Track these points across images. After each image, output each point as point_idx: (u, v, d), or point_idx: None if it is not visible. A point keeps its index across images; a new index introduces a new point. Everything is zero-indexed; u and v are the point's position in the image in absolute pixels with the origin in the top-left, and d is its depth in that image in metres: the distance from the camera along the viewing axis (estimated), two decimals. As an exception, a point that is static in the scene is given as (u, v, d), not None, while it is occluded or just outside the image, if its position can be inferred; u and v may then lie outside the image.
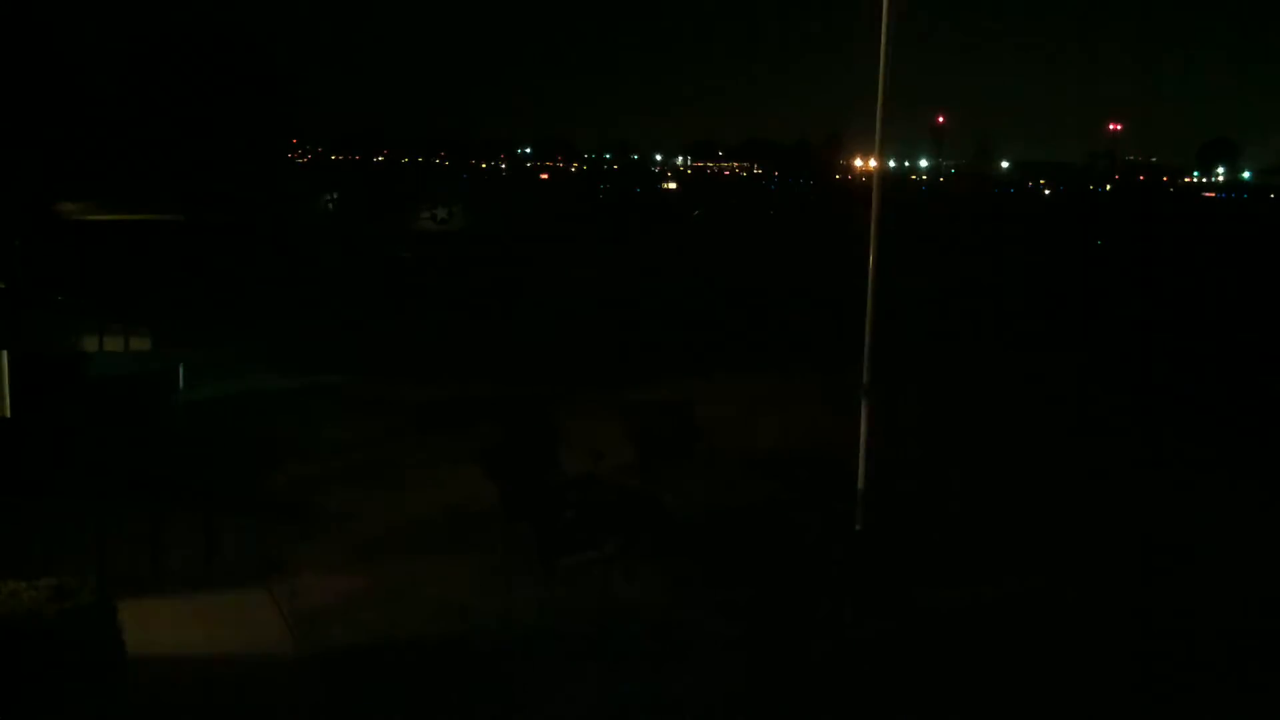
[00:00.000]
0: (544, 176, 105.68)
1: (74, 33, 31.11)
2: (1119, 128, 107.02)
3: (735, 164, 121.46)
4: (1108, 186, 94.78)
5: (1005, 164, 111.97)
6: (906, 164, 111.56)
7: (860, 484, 9.92)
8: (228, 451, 12.25)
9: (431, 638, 8.17)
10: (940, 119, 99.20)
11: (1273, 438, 14.67)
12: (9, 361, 11.89)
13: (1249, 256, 40.14)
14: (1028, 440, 14.25)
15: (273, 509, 10.60)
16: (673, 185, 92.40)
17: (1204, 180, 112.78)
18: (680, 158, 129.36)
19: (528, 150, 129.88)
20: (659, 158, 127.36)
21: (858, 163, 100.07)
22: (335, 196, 55.76)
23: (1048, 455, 13.56)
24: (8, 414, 11.91)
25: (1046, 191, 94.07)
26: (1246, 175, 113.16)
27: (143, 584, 8.61)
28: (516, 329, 21.82)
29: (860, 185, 75.81)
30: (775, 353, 19.70)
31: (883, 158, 11.03)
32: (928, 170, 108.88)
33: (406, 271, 31.04)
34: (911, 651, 8.26)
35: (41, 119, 28.05)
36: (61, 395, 13.31)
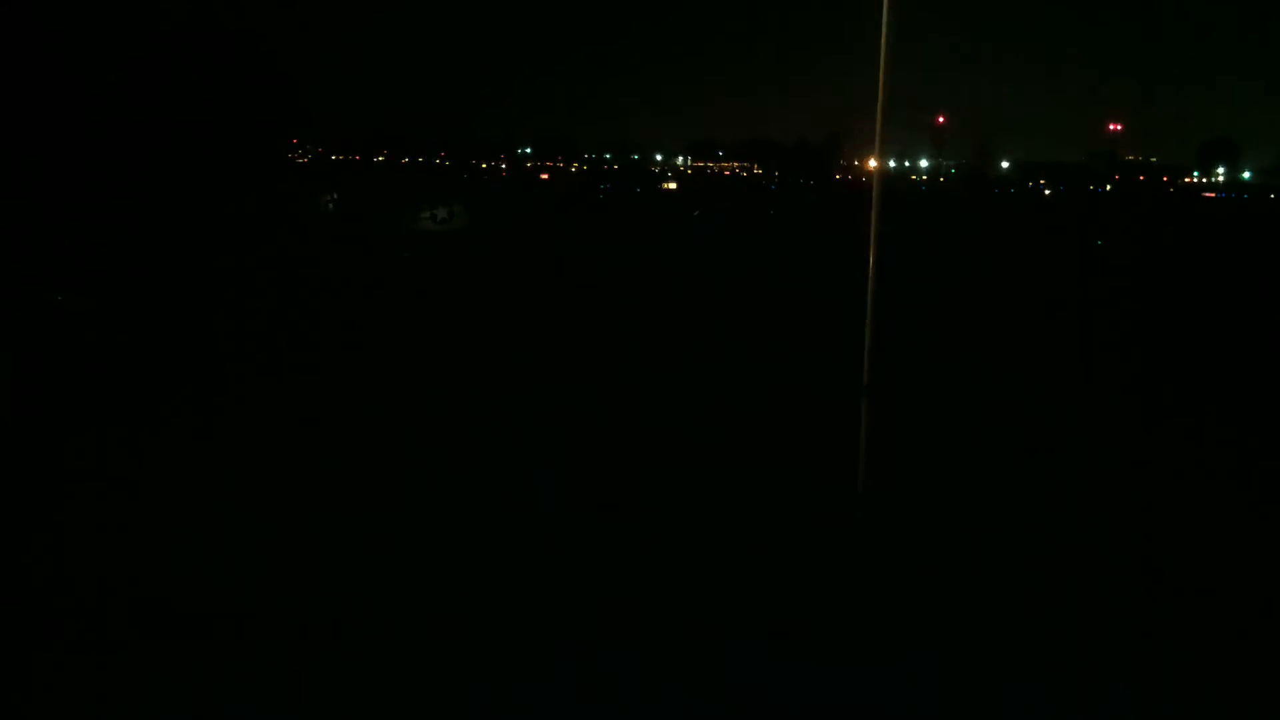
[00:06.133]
0: (544, 176, 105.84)
1: (72, 29, 31.09)
2: (1119, 128, 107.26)
3: (735, 164, 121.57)
4: (1108, 187, 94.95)
5: (1005, 164, 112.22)
6: (907, 164, 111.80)
7: (859, 488, 10.01)
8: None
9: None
10: (940, 119, 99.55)
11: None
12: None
13: (1250, 256, 40.25)
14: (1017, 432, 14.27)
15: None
16: (673, 185, 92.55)
17: (1204, 180, 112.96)
18: (680, 158, 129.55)
19: (528, 150, 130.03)
20: (659, 158, 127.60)
21: (858, 163, 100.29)
22: (335, 196, 55.95)
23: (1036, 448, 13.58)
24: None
25: (1047, 192, 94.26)
26: (1246, 175, 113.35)
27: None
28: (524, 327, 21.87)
29: (861, 185, 75.94)
30: (776, 349, 19.73)
31: (883, 158, 11.06)
32: (928, 170, 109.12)
33: (408, 271, 31.19)
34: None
35: (39, 118, 28.08)
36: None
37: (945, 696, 7.22)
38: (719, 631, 7.93)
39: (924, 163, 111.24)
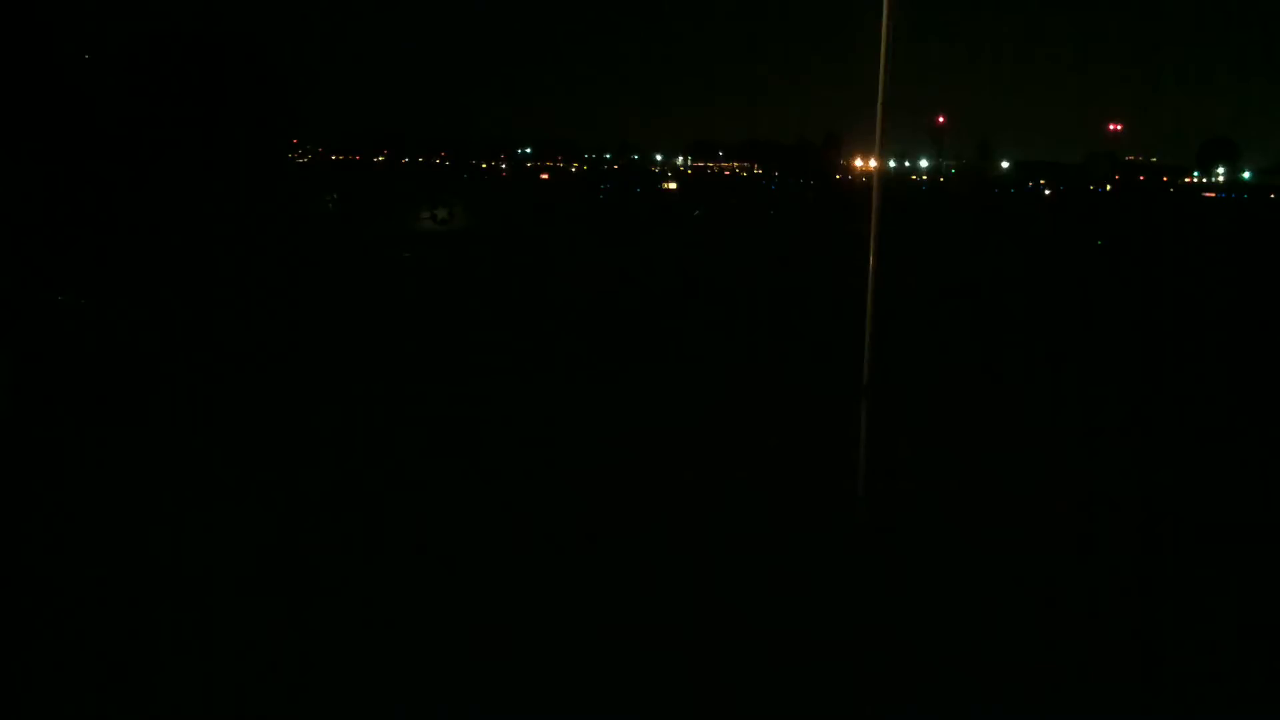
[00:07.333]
0: (544, 176, 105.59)
1: (71, 31, 31.10)
2: (1119, 128, 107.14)
3: (735, 164, 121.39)
4: (1108, 187, 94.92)
5: (1005, 164, 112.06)
6: (907, 164, 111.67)
7: (860, 490, 10.00)
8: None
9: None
10: (940, 119, 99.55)
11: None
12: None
13: (1250, 256, 40.20)
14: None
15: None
16: (673, 185, 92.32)
17: (1204, 180, 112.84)
18: (680, 158, 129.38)
19: (528, 150, 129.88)
20: (659, 158, 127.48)
21: (858, 163, 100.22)
22: (335, 196, 55.88)
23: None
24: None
25: (1047, 192, 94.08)
26: (1247, 175, 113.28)
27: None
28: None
29: (860, 185, 75.95)
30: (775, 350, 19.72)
31: (883, 158, 11.02)
32: (928, 170, 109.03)
33: (408, 271, 31.18)
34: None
35: (39, 119, 28.08)
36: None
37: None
38: (715, 641, 7.94)
39: (924, 163, 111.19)
